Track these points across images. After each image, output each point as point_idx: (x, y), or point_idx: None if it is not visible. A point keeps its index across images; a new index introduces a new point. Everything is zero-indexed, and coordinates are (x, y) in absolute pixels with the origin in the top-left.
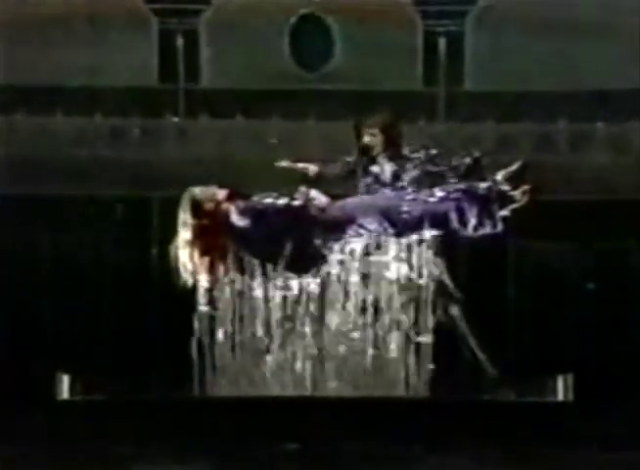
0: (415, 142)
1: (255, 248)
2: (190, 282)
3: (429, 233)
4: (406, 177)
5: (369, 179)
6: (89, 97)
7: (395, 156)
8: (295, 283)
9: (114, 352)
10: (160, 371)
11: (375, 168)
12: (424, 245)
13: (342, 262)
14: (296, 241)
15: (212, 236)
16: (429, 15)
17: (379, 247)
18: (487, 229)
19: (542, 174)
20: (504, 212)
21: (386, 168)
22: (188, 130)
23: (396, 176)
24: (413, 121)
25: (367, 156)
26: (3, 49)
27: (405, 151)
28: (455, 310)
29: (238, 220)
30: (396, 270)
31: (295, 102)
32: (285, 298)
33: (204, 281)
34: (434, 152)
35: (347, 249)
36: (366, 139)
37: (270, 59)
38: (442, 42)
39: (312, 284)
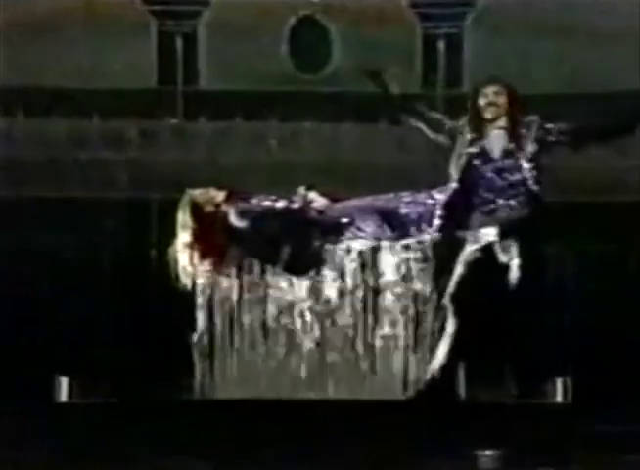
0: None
1: (254, 249)
2: (189, 285)
3: (426, 235)
4: (520, 154)
5: (472, 151)
6: (88, 99)
7: (513, 131)
8: None
9: (112, 355)
10: (160, 374)
11: (484, 141)
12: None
13: None
14: (294, 243)
15: (212, 238)
16: (427, 17)
17: None
18: None
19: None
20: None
21: (495, 143)
22: (186, 132)
23: (508, 153)
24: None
25: (481, 120)
26: (2, 51)
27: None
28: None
29: (236, 222)
30: None
31: (293, 104)
32: None
33: (203, 284)
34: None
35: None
36: (483, 101)
37: (269, 61)
38: (441, 44)
39: None
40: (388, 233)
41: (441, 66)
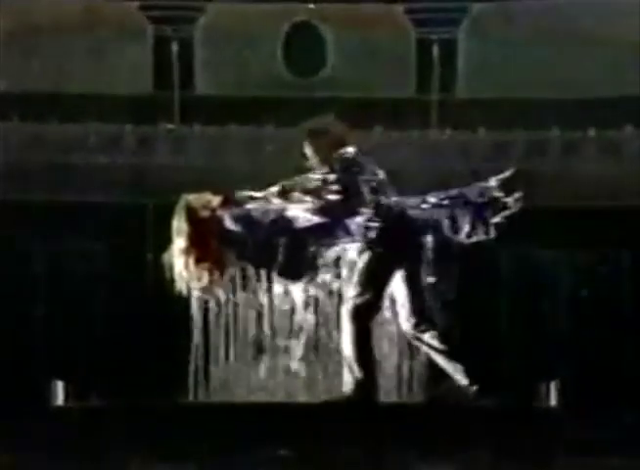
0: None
1: (249, 254)
2: (185, 290)
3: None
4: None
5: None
6: (84, 104)
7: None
8: None
9: (108, 359)
10: (154, 377)
11: None
12: None
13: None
14: (289, 247)
15: (207, 243)
16: (422, 23)
17: None
18: (480, 236)
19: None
20: (497, 219)
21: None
22: (182, 137)
23: None
24: (406, 129)
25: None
26: (0, 56)
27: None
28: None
29: (231, 226)
30: None
31: (288, 109)
32: None
33: (198, 289)
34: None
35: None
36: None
37: (264, 66)
38: (435, 50)
39: None
40: None
41: (435, 71)
